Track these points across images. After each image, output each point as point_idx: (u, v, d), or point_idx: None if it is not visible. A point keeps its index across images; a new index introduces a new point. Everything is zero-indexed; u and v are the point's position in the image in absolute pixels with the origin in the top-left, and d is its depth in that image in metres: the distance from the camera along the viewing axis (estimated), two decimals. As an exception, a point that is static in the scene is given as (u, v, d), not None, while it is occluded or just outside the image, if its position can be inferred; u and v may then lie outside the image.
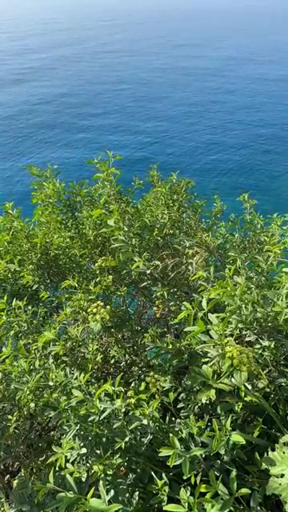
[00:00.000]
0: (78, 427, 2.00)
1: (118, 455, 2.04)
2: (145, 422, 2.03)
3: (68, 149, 18.37)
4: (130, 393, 2.13)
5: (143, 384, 2.28)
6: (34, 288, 3.08)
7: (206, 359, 2.15)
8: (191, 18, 67.64)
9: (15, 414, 2.31)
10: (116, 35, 47.46)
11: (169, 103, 25.47)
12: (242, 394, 2.10)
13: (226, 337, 1.99)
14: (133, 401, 2.09)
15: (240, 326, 2.11)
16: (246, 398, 2.10)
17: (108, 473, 1.94)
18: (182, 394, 2.33)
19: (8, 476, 2.88)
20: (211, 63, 35.21)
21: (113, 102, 25.24)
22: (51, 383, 2.19)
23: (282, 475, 1.79)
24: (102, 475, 1.92)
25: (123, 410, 2.01)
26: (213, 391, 2.01)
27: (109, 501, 1.77)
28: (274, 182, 16.10)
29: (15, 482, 2.37)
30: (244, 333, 2.21)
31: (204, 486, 1.77)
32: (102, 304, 2.42)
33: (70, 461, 1.99)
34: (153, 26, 56.60)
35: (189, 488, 1.87)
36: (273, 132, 21.00)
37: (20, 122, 22.00)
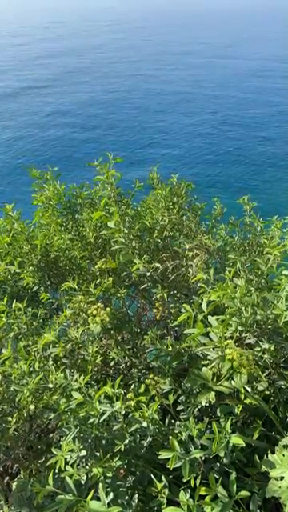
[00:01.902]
0: (77, 429, 2.00)
1: (117, 457, 2.04)
2: (144, 424, 2.03)
3: (70, 166, 18.14)
4: (129, 395, 2.13)
5: (143, 386, 2.28)
6: (34, 290, 3.08)
7: (206, 361, 2.15)
8: (194, 21, 67.64)
9: (15, 415, 2.31)
10: (118, 41, 46.75)
11: (170, 112, 25.43)
12: (242, 397, 2.11)
13: (226, 339, 1.99)
14: (132, 403, 2.09)
15: (240, 328, 2.11)
16: (245, 401, 2.11)
17: (107, 475, 1.94)
18: (182, 397, 2.33)
19: (7, 478, 2.87)
20: (211, 69, 35.28)
21: (115, 115, 24.96)
22: (51, 385, 2.19)
23: (282, 478, 1.79)
24: (102, 477, 1.91)
25: (123, 412, 2.01)
26: (212, 393, 2.01)
27: (108, 503, 1.77)
28: (274, 185, 16.12)
29: (14, 484, 2.37)
30: (244, 335, 2.21)
31: (204, 488, 1.77)
32: (102, 306, 2.42)
33: (70, 463, 1.99)
34: (156, 30, 56.27)
35: (188, 490, 1.87)
36: (273, 134, 21.04)
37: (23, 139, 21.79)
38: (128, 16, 72.98)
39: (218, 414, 2.14)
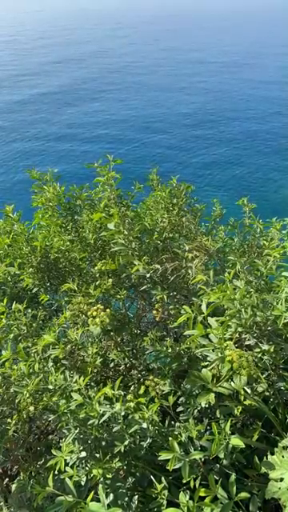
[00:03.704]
0: (77, 431, 2.00)
1: (117, 459, 2.04)
2: (144, 425, 2.03)
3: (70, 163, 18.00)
4: (129, 396, 2.13)
5: (143, 387, 2.29)
6: (33, 291, 3.08)
7: (206, 363, 2.15)
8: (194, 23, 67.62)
9: (14, 417, 2.31)
10: (124, 47, 45.88)
11: (167, 108, 25.54)
12: (242, 398, 2.11)
13: (226, 340, 2.00)
14: (132, 404, 2.09)
15: (239, 329, 2.11)
16: (245, 402, 2.11)
17: (107, 476, 1.94)
18: (182, 398, 2.33)
19: (7, 479, 2.87)
20: (213, 67, 35.36)
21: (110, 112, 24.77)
22: (51, 386, 2.19)
23: (281, 479, 1.79)
24: (102, 479, 1.92)
25: (122, 413, 2.01)
26: (212, 395, 2.02)
27: (108, 504, 1.77)
28: (273, 186, 16.15)
29: (14, 486, 2.37)
30: (243, 336, 2.21)
31: (203, 489, 1.77)
32: (101, 307, 2.42)
33: (70, 464, 1.99)
34: (159, 33, 55.70)
35: (188, 492, 1.87)
36: (272, 136, 21.09)
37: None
38: (132, 18, 72.41)
39: (218, 415, 2.14)
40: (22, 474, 2.53)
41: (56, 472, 1.98)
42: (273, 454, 1.92)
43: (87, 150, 20.06)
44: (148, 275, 2.59)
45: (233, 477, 1.82)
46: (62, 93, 29.27)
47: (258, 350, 2.20)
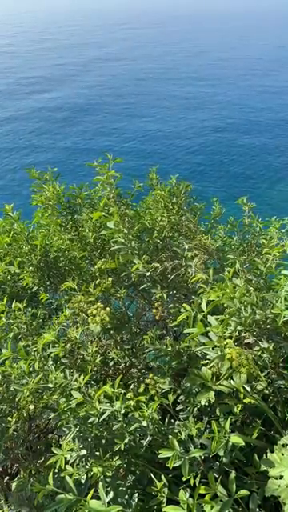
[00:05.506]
0: (77, 429, 2.01)
1: (117, 457, 2.05)
2: (144, 423, 2.04)
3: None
4: (129, 395, 2.14)
5: (142, 386, 2.29)
6: (33, 290, 3.08)
7: (206, 361, 2.16)
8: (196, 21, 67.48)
9: (14, 415, 2.31)
10: (133, 50, 45.22)
11: (168, 107, 25.56)
12: (241, 396, 2.11)
13: (225, 339, 2.00)
14: (132, 403, 2.09)
15: (239, 328, 2.12)
16: (245, 400, 2.11)
17: (107, 474, 1.94)
18: (181, 396, 2.34)
19: (7, 478, 2.87)
20: (212, 71, 35.37)
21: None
22: (51, 385, 2.20)
23: (281, 477, 1.80)
24: (102, 477, 1.92)
25: (122, 411, 2.01)
26: (212, 393, 2.02)
27: (108, 502, 1.78)
28: (273, 186, 16.16)
29: (14, 484, 2.38)
30: (243, 335, 2.22)
31: (203, 487, 1.78)
32: (101, 306, 2.43)
33: (70, 462, 1.99)
34: (163, 35, 55.13)
35: (188, 490, 1.87)
36: (272, 135, 21.11)
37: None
38: (136, 18, 71.56)
39: (218, 413, 2.15)
40: (22, 472, 2.53)
41: (56, 470, 1.99)
42: (272, 451, 1.92)
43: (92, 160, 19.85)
44: (148, 274, 2.59)
45: (232, 474, 1.82)
46: (70, 101, 28.65)
47: (258, 348, 2.21)
